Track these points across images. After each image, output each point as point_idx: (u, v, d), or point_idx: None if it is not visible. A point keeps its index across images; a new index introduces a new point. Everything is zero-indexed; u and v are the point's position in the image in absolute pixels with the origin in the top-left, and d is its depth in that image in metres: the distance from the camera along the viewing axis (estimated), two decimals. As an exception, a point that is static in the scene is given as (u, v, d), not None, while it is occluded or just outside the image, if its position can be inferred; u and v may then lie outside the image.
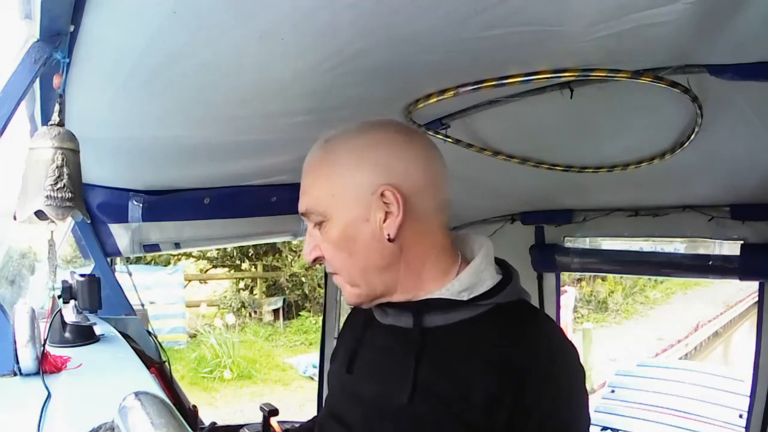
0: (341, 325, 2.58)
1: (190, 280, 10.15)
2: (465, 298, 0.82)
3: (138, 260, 8.43)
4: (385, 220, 0.82)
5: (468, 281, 0.83)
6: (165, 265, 9.50)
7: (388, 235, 0.81)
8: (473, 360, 0.78)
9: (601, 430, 3.36)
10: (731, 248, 1.99)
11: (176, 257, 9.99)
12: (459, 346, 0.80)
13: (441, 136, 1.60)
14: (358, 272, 0.86)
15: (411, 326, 0.84)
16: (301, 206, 0.87)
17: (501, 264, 0.90)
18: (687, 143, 1.47)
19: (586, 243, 2.45)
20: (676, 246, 2.30)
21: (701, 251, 2.14)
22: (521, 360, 0.76)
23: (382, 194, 0.80)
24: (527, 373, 0.75)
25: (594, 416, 3.72)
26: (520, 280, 0.88)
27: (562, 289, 2.88)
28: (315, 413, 2.66)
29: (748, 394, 2.07)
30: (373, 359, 0.89)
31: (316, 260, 0.89)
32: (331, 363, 1.03)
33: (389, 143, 0.84)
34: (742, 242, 1.95)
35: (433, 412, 0.78)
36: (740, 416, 3.34)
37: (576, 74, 1.18)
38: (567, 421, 0.77)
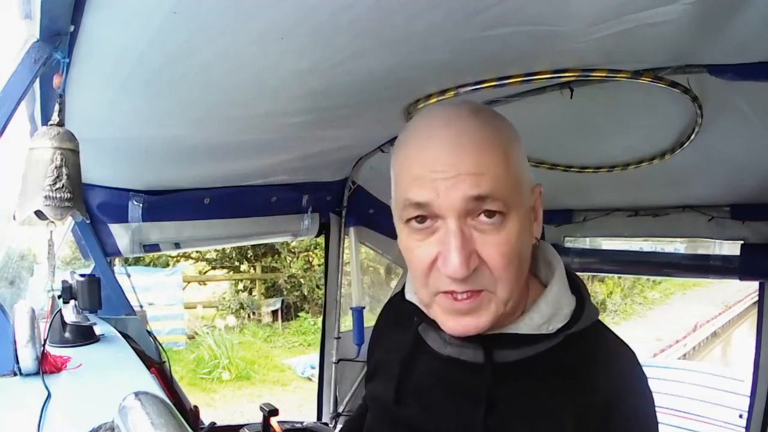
0: (340, 326, 2.59)
1: (189, 282, 10.15)
2: (545, 332, 0.71)
3: (137, 262, 8.43)
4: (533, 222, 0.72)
5: (548, 312, 0.71)
6: (164, 267, 9.50)
7: (536, 238, 0.72)
8: (549, 399, 0.69)
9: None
10: (731, 248, 1.99)
11: (175, 259, 9.99)
12: (533, 382, 0.71)
13: (441, 136, 1.60)
14: (517, 285, 0.69)
15: (479, 361, 0.73)
16: (478, 188, 0.64)
17: (568, 277, 0.78)
18: (687, 143, 1.47)
19: (586, 243, 2.46)
20: (676, 246, 2.31)
21: (701, 251, 2.14)
22: (603, 396, 0.68)
23: (539, 193, 0.72)
24: (612, 410, 0.67)
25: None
26: (590, 297, 0.78)
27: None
28: (315, 414, 2.67)
29: (748, 394, 2.08)
30: (430, 393, 0.79)
31: (472, 272, 0.66)
32: (369, 379, 0.94)
33: (515, 134, 0.72)
34: (742, 242, 1.96)
35: None
36: (740, 416, 3.34)
37: (576, 74, 1.18)
38: None
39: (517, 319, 0.72)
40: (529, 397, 0.70)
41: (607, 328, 0.77)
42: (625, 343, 0.76)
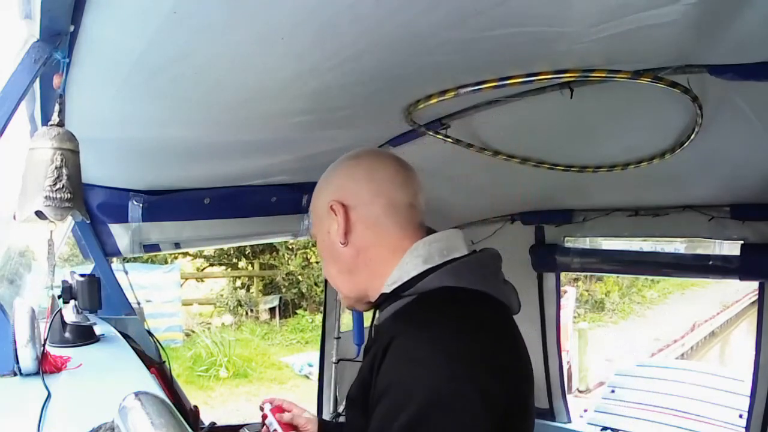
0: (340, 326, 2.59)
1: (186, 279, 10.13)
2: (387, 290, 0.90)
3: (135, 259, 8.41)
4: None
5: (396, 274, 0.90)
6: (162, 264, 9.47)
7: (339, 241, 0.95)
8: (373, 346, 0.86)
9: (601, 430, 3.34)
10: (731, 248, 1.99)
11: (173, 256, 9.95)
12: (378, 335, 0.88)
13: (441, 136, 1.60)
14: (334, 278, 1.01)
15: None
16: None
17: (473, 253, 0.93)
18: (687, 143, 1.47)
19: (586, 243, 2.45)
20: (676, 246, 2.31)
21: (701, 251, 2.14)
22: (382, 345, 0.81)
23: (330, 208, 0.95)
24: (382, 356, 0.80)
25: (594, 416, 3.72)
26: (472, 268, 0.89)
27: (561, 289, 2.88)
28: (315, 412, 2.67)
29: (748, 394, 2.08)
30: None
31: None
32: None
33: (339, 167, 1.00)
34: (742, 242, 1.96)
35: (356, 399, 0.88)
36: (740, 416, 3.34)
37: (576, 75, 1.18)
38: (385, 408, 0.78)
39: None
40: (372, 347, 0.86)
41: (433, 303, 0.85)
42: (430, 319, 0.82)
